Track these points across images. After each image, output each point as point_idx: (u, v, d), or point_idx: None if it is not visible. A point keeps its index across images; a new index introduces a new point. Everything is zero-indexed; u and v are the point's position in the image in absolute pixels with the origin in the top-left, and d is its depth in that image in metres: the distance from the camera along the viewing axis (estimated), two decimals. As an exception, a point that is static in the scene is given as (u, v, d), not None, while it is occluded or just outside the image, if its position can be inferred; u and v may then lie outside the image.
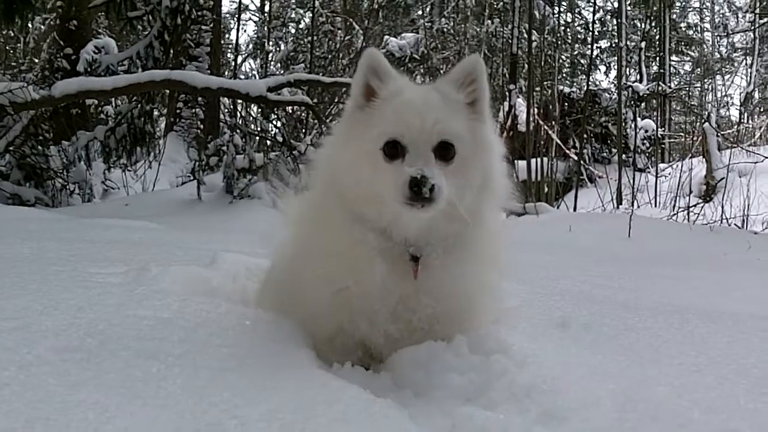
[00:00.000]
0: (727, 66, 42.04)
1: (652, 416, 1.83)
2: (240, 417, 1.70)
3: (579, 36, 37.19)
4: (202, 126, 17.01)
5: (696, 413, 1.86)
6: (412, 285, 2.37)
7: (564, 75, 36.25)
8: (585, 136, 21.79)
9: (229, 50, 29.84)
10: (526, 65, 22.58)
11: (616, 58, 30.19)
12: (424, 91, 2.44)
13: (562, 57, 35.44)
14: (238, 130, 10.58)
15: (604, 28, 36.13)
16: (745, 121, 30.74)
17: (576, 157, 19.67)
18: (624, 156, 20.65)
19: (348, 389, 1.97)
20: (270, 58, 28.47)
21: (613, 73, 35.65)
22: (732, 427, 1.77)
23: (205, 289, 3.13)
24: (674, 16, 38.48)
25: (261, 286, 3.14)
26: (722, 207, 12.76)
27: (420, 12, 33.77)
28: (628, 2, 28.51)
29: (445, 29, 29.61)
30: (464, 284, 2.47)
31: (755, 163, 16.54)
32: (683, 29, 42.18)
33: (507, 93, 18.80)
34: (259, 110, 15.76)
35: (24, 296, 2.55)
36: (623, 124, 21.42)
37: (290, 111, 16.69)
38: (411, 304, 2.39)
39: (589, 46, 31.18)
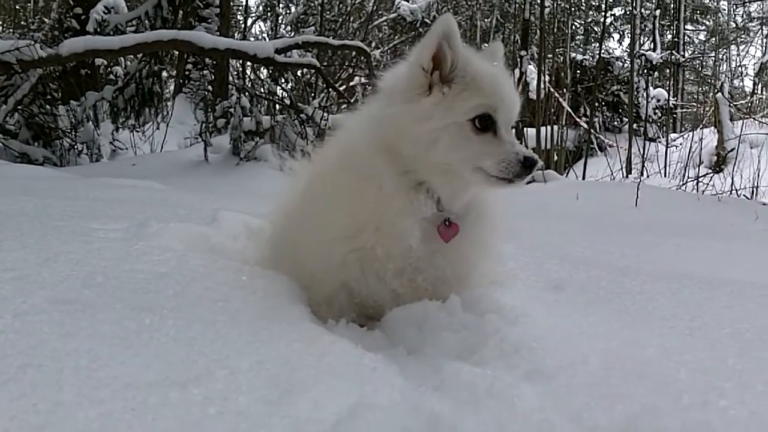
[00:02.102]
0: (743, 36, 41.45)
1: (639, 375, 1.84)
2: (229, 367, 1.72)
3: (593, 3, 36.67)
4: (210, 88, 16.96)
5: (683, 373, 1.87)
6: (432, 248, 2.43)
7: (577, 42, 35.89)
8: (596, 104, 21.65)
9: (239, 12, 29.60)
10: (538, 31, 22.34)
11: (629, 26, 29.85)
12: (498, 67, 2.53)
13: (575, 24, 35.06)
14: (246, 93, 10.56)
15: (619, -5, 35.65)
16: (759, 92, 30.41)
17: (586, 126, 19.55)
18: (635, 125, 20.53)
19: (338, 343, 2.00)
20: (280, 21, 28.28)
21: (627, 41, 35.27)
22: (716, 386, 1.78)
23: (204, 247, 3.15)
24: (690, -17, 37.92)
25: (261, 243, 3.17)
26: (732, 178, 12.68)
27: (433, -24, 33.35)
28: (643, -31, 28.11)
29: (457, -7, 29.24)
30: (473, 247, 2.54)
31: (767, 134, 16.41)
32: (699, -3, 41.59)
33: (518, 59, 18.61)
34: (269, 73, 15.70)
35: (24, 249, 2.57)
36: (635, 92, 21.26)
37: (300, 74, 16.63)
38: (422, 264, 2.43)
39: (603, 14, 30.81)
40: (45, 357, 1.67)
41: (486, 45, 2.84)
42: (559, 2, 25.94)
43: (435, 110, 2.32)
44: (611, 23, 36.56)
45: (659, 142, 19.95)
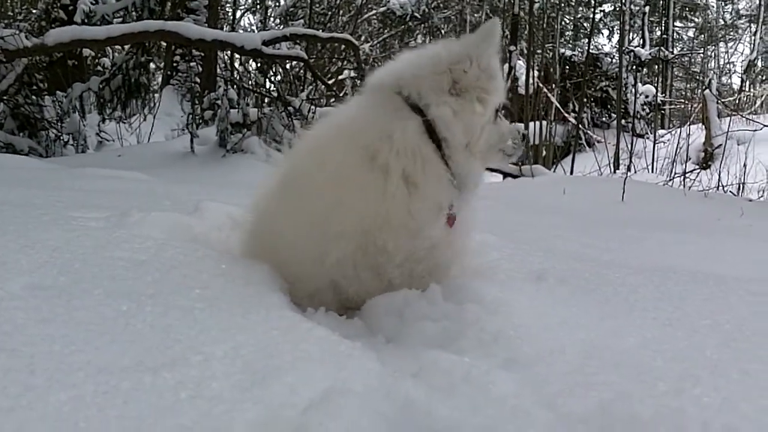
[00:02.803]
0: (731, 33, 41.65)
1: (615, 363, 1.85)
2: (204, 353, 1.72)
3: (582, -1, 36.76)
4: (198, 80, 16.89)
5: (659, 361, 1.88)
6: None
7: (566, 38, 35.95)
8: (585, 100, 21.69)
9: (228, 4, 29.46)
10: (527, 27, 22.36)
11: (618, 22, 29.91)
12: None
13: (565, 20, 35.10)
14: (233, 85, 10.52)
15: (608, -8, 35.72)
16: (747, 89, 30.55)
17: (575, 121, 19.59)
18: (623, 121, 20.59)
19: (315, 330, 1.99)
20: (269, 13, 28.18)
21: (616, 38, 35.36)
22: (692, 374, 1.79)
23: (186, 237, 3.13)
24: (679, -19, 38.03)
25: (244, 235, 3.14)
26: (719, 174, 12.72)
27: (422, -30, 33.29)
28: (633, -35, 28.17)
29: (447, -12, 29.21)
30: (462, 234, 2.64)
31: (754, 131, 16.46)
32: (688, -5, 41.73)
33: (507, 54, 18.61)
34: (257, 66, 15.64)
35: (3, 236, 2.55)
36: (624, 89, 21.30)
37: (288, 67, 16.58)
38: (423, 254, 2.49)
39: (592, 10, 30.86)
40: (18, 342, 1.66)
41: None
42: (548, -2, 25.98)
43: (481, 99, 2.50)
44: (600, 19, 36.66)
45: (647, 138, 19.98)
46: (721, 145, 16.84)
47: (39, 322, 1.80)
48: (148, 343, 1.75)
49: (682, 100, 29.80)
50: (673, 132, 19.32)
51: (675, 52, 33.63)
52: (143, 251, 2.51)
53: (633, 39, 31.53)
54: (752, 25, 37.82)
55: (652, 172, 16.70)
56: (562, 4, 31.52)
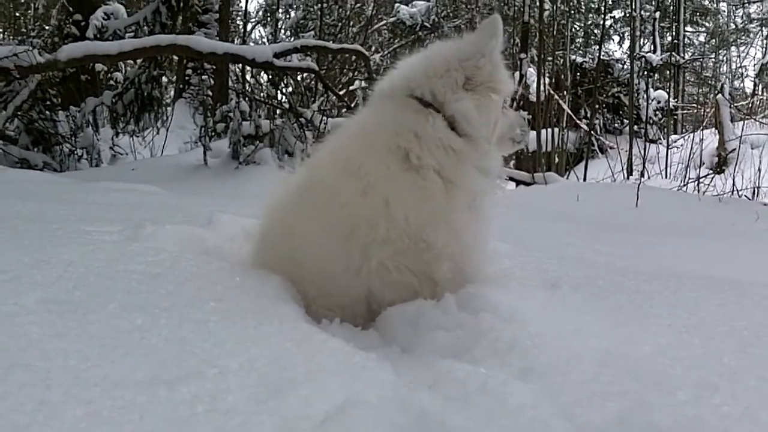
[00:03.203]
0: (743, 37, 41.43)
1: (632, 372, 1.83)
2: (219, 366, 1.72)
3: (592, 5, 36.69)
4: (210, 92, 16.97)
5: (677, 369, 1.86)
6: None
7: (577, 45, 35.87)
8: (597, 106, 21.62)
9: (239, 17, 29.62)
10: (537, 34, 22.34)
11: (629, 28, 29.85)
12: None
13: (575, 26, 35.05)
14: (245, 97, 10.56)
15: (619, -2, 35.65)
16: (759, 92, 30.38)
17: (587, 128, 19.53)
18: (636, 127, 20.51)
19: (330, 342, 1.99)
20: (279, 26, 28.31)
21: (627, 44, 35.26)
22: (710, 382, 1.77)
23: (199, 249, 3.14)
24: (690, -15, 37.92)
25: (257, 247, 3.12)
26: (733, 178, 12.63)
27: (433, -20, 33.33)
28: (643, -29, 28.13)
29: (456, -3, 29.24)
30: (481, 239, 2.66)
31: (768, 134, 16.38)
32: (699, -1, 41.60)
33: (518, 62, 18.59)
34: (269, 78, 15.71)
35: (17, 251, 2.56)
36: (635, 94, 21.22)
37: (299, 78, 16.64)
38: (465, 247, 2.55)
39: (603, 16, 30.81)
40: (33, 357, 1.66)
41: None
42: (558, 5, 25.93)
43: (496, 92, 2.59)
44: (611, 25, 36.61)
45: (660, 143, 19.90)
46: (734, 149, 16.75)
47: (54, 336, 1.80)
48: (163, 356, 1.76)
49: (695, 105, 29.65)
50: (686, 137, 19.21)
51: (686, 56, 33.52)
52: (157, 264, 2.51)
53: (644, 44, 31.42)
54: (764, 28, 37.65)
55: (666, 177, 16.61)
56: (572, 11, 31.49)
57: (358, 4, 25.09)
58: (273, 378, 1.69)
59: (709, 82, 32.90)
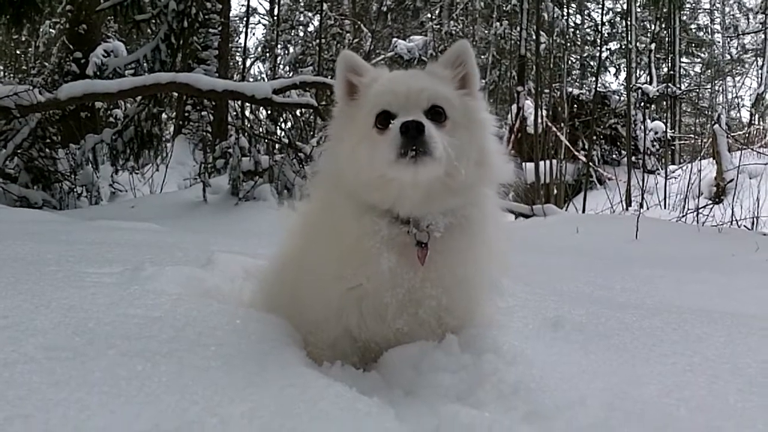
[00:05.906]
0: (738, 67, 41.78)
1: (638, 414, 1.81)
2: (221, 415, 1.70)
3: (588, 38, 37.03)
4: (210, 129, 17.05)
5: (683, 411, 1.84)
6: (419, 275, 2.34)
7: (573, 77, 36.14)
8: (594, 137, 21.73)
9: (238, 54, 29.88)
10: (534, 67, 22.52)
11: (625, 59, 30.10)
12: (410, 71, 2.63)
13: (571, 59, 35.34)
14: (245, 133, 10.61)
15: (614, 30, 35.97)
16: (756, 122, 30.52)
17: (585, 159, 19.60)
18: (633, 158, 20.58)
19: (332, 387, 1.96)
20: (278, 62, 28.53)
21: (623, 75, 35.53)
22: (717, 425, 1.75)
23: (199, 290, 3.13)
24: (684, 17, 38.28)
25: (258, 287, 3.13)
26: (732, 208, 12.65)
27: (429, 15, 33.70)
28: (637, 3, 28.42)
29: (453, 32, 29.48)
30: (467, 273, 2.43)
31: (766, 164, 16.41)
32: (693, 30, 41.95)
33: (515, 95, 18.73)
34: (268, 114, 15.79)
35: (16, 296, 2.55)
36: (633, 125, 21.34)
37: (299, 114, 16.72)
38: (417, 295, 2.36)
39: (599, 48, 31.09)
40: (33, 407, 1.64)
41: (483, 81, 2.88)
42: (554, 38, 26.17)
43: (345, 129, 2.45)
44: (607, 57, 36.89)
45: (658, 174, 19.98)
46: (733, 179, 16.79)
47: (53, 385, 1.78)
48: (163, 404, 1.74)
49: (692, 135, 29.80)
50: (684, 167, 19.29)
51: (683, 87, 33.77)
52: (157, 308, 2.50)
53: (640, 76, 31.67)
54: (759, 58, 37.95)
55: (665, 208, 16.65)
56: (569, 44, 31.77)
57: (356, 40, 25.31)
58: (276, 426, 1.67)
59: (706, 112, 33.13)
